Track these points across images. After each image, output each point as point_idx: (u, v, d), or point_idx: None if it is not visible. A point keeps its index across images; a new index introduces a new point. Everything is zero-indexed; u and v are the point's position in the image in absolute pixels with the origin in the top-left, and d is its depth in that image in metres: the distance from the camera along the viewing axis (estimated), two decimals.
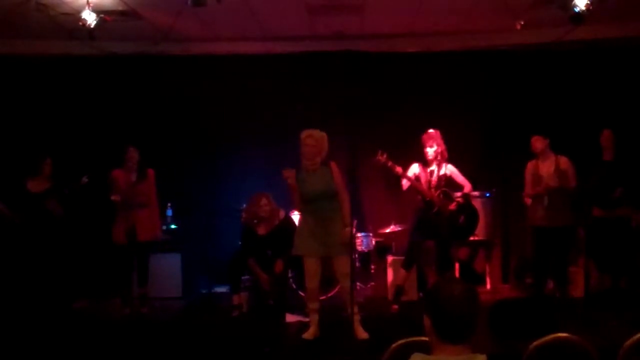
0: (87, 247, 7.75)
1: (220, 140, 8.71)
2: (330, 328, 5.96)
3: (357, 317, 5.85)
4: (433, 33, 8.33)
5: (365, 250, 7.94)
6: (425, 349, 2.27)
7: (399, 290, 7.15)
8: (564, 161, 7.05)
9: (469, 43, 8.42)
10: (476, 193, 7.75)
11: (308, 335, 5.86)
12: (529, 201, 7.26)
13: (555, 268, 7.11)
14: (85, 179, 7.15)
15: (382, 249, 8.15)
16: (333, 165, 5.96)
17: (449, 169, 7.02)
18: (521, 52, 8.45)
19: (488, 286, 8.31)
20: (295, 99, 8.60)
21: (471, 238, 7.64)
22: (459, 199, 7.05)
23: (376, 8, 7.35)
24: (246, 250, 7.18)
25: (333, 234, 5.77)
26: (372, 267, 8.05)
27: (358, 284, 7.69)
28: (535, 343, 2.95)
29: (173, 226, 8.25)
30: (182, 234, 8.26)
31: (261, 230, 7.18)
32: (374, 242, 8.01)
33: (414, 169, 6.98)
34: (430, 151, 6.90)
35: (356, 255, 7.68)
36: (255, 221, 7.18)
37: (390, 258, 7.88)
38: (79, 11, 6.54)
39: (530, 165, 7.17)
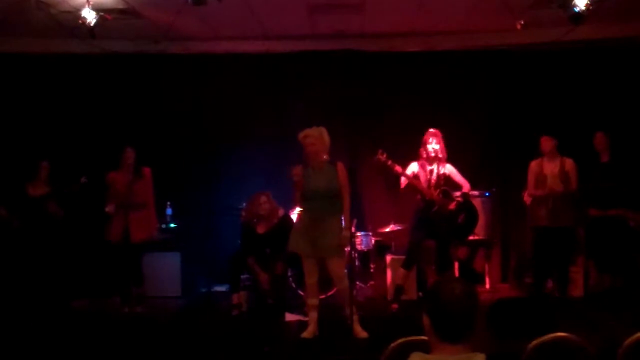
0: (86, 246, 7.74)
1: (220, 139, 8.71)
2: (330, 327, 5.96)
3: (356, 317, 5.85)
4: (433, 32, 8.33)
5: (365, 249, 7.96)
6: (425, 348, 2.26)
7: (399, 289, 7.15)
8: (569, 163, 7.04)
9: (469, 43, 8.43)
10: (476, 192, 7.76)
11: (307, 334, 5.86)
12: (528, 200, 7.26)
13: (557, 268, 7.11)
14: (84, 179, 7.16)
15: (381, 248, 8.15)
16: (340, 165, 5.95)
17: (447, 168, 7.03)
18: (521, 52, 8.44)
19: (487, 285, 8.31)
20: (296, 98, 8.60)
21: (471, 237, 7.65)
22: (458, 198, 7.05)
23: (377, 7, 7.35)
24: (246, 249, 7.18)
25: (325, 235, 5.75)
26: (372, 266, 8.06)
27: (358, 283, 7.71)
28: (534, 342, 2.95)
29: (172, 225, 8.24)
30: (182, 233, 8.26)
31: (260, 229, 7.19)
32: (373, 241, 8.02)
33: (413, 167, 6.98)
34: (431, 148, 6.89)
35: (356, 255, 7.69)
36: (254, 220, 7.19)
37: (389, 257, 7.87)
38: (79, 9, 6.53)
39: (534, 165, 7.15)
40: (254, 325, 6.53)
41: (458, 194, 7.10)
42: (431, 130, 6.98)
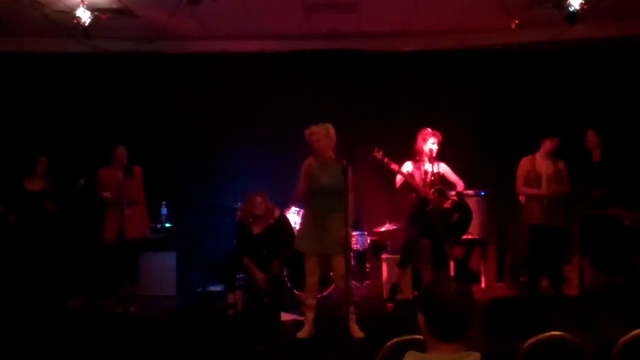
0: (81, 245, 7.72)
1: (215, 139, 8.71)
2: (326, 327, 5.96)
3: (352, 316, 5.84)
4: (429, 32, 8.34)
5: (361, 249, 7.97)
6: (420, 347, 2.27)
7: (394, 288, 7.16)
8: (562, 164, 7.05)
9: (465, 42, 8.43)
10: (471, 192, 7.77)
11: (302, 334, 5.85)
12: (523, 199, 7.26)
13: (551, 267, 7.12)
14: (82, 182, 7.15)
15: (377, 248, 8.16)
16: (346, 164, 5.95)
17: (442, 167, 7.04)
18: (516, 51, 8.45)
19: (483, 285, 8.33)
20: (291, 97, 8.59)
21: (466, 236, 7.65)
22: (453, 197, 7.07)
23: (372, 6, 7.36)
24: (241, 249, 7.18)
25: (331, 233, 5.72)
26: (368, 265, 8.07)
27: (353, 282, 7.70)
28: (529, 341, 2.95)
29: (168, 225, 8.23)
30: (177, 233, 8.25)
31: (256, 229, 7.18)
32: (369, 240, 8.03)
33: (407, 167, 6.98)
34: (426, 146, 6.88)
35: (351, 254, 7.68)
36: (250, 220, 7.18)
37: (385, 257, 7.88)
38: (73, 9, 6.53)
39: (525, 162, 7.11)
40: (249, 325, 6.54)
41: (453, 193, 7.11)
42: (430, 129, 6.98)
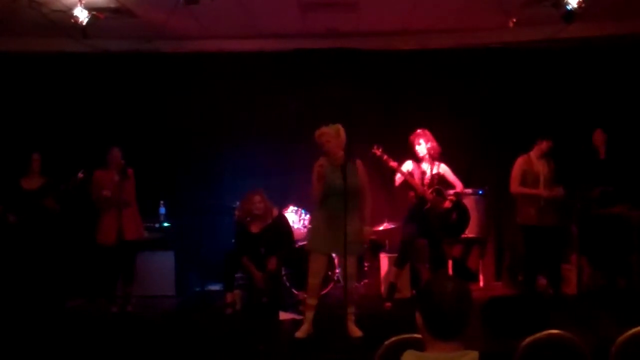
0: (79, 246, 7.71)
1: (213, 138, 8.69)
2: (324, 326, 5.95)
3: (351, 316, 5.85)
4: (427, 31, 8.34)
5: None
6: (419, 346, 2.27)
7: (392, 287, 7.17)
8: (553, 164, 7.05)
9: (463, 41, 8.44)
10: (469, 190, 7.77)
11: (301, 333, 5.82)
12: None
13: (549, 266, 7.12)
14: (81, 174, 7.14)
15: (375, 247, 8.15)
16: (359, 163, 5.95)
17: (441, 168, 7.06)
18: (514, 50, 8.46)
19: (481, 283, 8.33)
20: (290, 96, 8.60)
21: (464, 235, 7.66)
22: (451, 197, 7.08)
23: (370, 5, 7.36)
24: (240, 248, 7.17)
25: (348, 233, 5.60)
26: (366, 264, 8.07)
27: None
28: (528, 340, 2.96)
29: (166, 224, 8.22)
30: (176, 232, 8.24)
31: (255, 228, 7.18)
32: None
33: (407, 166, 7.00)
34: (420, 149, 6.93)
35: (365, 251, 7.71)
36: (248, 219, 7.18)
37: (383, 255, 7.88)
38: (71, 8, 6.53)
39: (521, 161, 7.08)
40: (248, 324, 6.53)
41: (451, 192, 7.12)
42: (417, 131, 7.00)
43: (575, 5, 6.23)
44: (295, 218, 8.10)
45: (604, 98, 8.17)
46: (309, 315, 5.89)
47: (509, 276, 8.43)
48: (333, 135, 5.78)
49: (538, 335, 2.98)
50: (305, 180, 6.05)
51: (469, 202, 7.47)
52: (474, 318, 2.30)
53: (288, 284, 7.49)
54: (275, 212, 7.29)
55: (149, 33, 7.85)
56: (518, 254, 8.08)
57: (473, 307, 2.24)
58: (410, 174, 6.96)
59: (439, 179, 7.04)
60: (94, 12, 6.58)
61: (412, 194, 7.04)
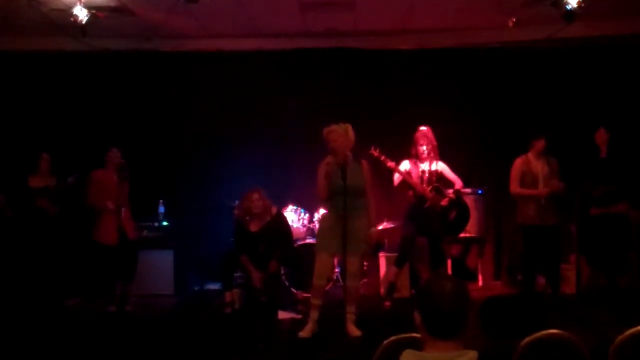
0: (76, 244, 7.70)
1: (212, 137, 8.68)
2: (323, 325, 5.95)
3: (350, 316, 5.84)
4: (426, 30, 8.34)
5: None
6: (417, 345, 2.27)
7: (392, 286, 7.17)
8: (555, 162, 7.04)
9: (462, 40, 8.44)
10: (468, 190, 7.78)
11: (305, 333, 5.79)
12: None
13: (548, 266, 7.11)
14: (72, 179, 7.17)
15: (374, 246, 8.13)
16: (364, 163, 5.94)
17: (439, 165, 7.06)
18: (514, 49, 8.46)
19: (480, 283, 8.33)
20: (288, 96, 8.60)
21: (463, 235, 7.66)
22: (450, 195, 7.08)
23: (369, 5, 7.36)
24: (239, 247, 7.17)
25: (352, 231, 5.59)
26: (365, 264, 8.04)
27: None
28: (526, 339, 2.96)
29: (165, 223, 8.22)
30: (175, 231, 8.24)
31: (253, 227, 7.17)
32: None
33: (405, 165, 7.00)
34: (424, 149, 6.93)
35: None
36: (247, 218, 7.17)
37: (382, 255, 7.88)
38: (70, 7, 6.53)
39: (519, 162, 7.06)
40: (246, 323, 6.53)
41: (450, 191, 7.12)
42: (422, 128, 7.01)
43: (575, 5, 6.24)
44: (294, 217, 8.09)
45: (603, 98, 8.16)
46: (314, 315, 5.86)
47: (507, 276, 8.44)
48: (341, 134, 5.74)
49: (537, 334, 2.97)
50: (305, 179, 6.07)
51: (468, 201, 7.47)
52: (473, 317, 2.30)
53: (287, 283, 7.49)
54: (274, 210, 7.28)
55: (148, 32, 7.86)
56: (517, 253, 8.08)
57: (472, 307, 2.24)
58: (409, 173, 6.97)
59: (438, 176, 7.04)
60: (94, 11, 6.59)
61: (411, 193, 7.04)
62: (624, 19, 7.82)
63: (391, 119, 8.42)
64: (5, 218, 7.19)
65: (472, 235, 8.04)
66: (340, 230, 5.59)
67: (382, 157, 6.73)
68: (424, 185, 6.97)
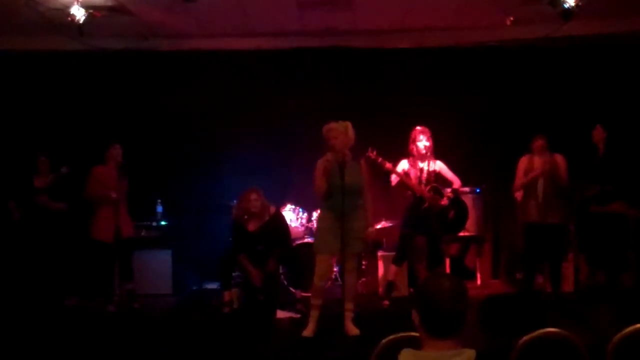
0: (74, 242, 7.70)
1: (210, 136, 8.67)
2: (321, 324, 5.94)
3: (349, 314, 5.84)
4: (424, 29, 8.33)
5: None
6: (416, 344, 2.27)
7: (390, 285, 7.17)
8: (561, 158, 7.03)
9: (460, 39, 8.43)
10: (467, 189, 7.78)
11: (307, 332, 5.78)
12: (519, 196, 7.27)
13: (549, 265, 7.11)
14: (65, 170, 7.20)
15: (373, 245, 8.14)
16: (363, 162, 5.94)
17: (437, 165, 7.07)
18: (511, 48, 8.46)
19: (478, 281, 8.34)
20: (286, 95, 8.60)
21: (462, 233, 7.67)
22: (449, 194, 7.08)
23: (367, 4, 7.35)
24: (237, 246, 7.16)
25: (350, 231, 5.60)
26: (364, 263, 8.05)
27: None
28: (524, 338, 2.96)
29: (163, 222, 8.22)
30: (173, 231, 8.24)
31: (251, 227, 7.16)
32: None
33: (403, 165, 7.00)
34: (422, 145, 6.93)
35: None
36: (245, 217, 7.16)
37: (381, 254, 7.89)
38: (67, 7, 6.52)
39: (524, 160, 7.11)
40: (245, 323, 6.53)
41: (449, 190, 7.12)
42: (419, 127, 7.02)
43: (573, 3, 6.24)
44: (293, 216, 8.09)
45: (601, 96, 8.16)
46: (315, 314, 5.85)
47: (506, 274, 8.45)
48: (341, 132, 5.72)
49: (535, 333, 2.98)
50: (303, 178, 6.05)
51: (466, 200, 7.48)
52: (471, 316, 2.30)
53: (285, 283, 7.49)
54: (272, 209, 7.27)
55: (145, 31, 7.84)
56: (515, 252, 8.09)
57: (470, 306, 2.24)
58: (407, 173, 6.97)
59: (436, 176, 7.05)
60: (91, 11, 6.58)
61: (409, 193, 7.04)
62: (622, 18, 7.83)
63: (390, 118, 8.41)
64: (13, 221, 7.25)
65: (471, 234, 8.04)
66: (337, 230, 5.60)
67: (379, 159, 6.70)
68: (422, 185, 6.97)
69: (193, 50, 8.60)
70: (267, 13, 7.65)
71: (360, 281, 7.96)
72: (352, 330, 5.77)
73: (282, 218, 7.46)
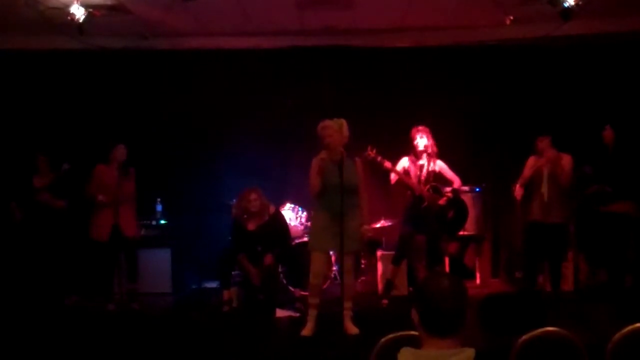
0: (75, 241, 7.70)
1: (210, 135, 8.68)
2: (321, 323, 5.95)
3: (348, 313, 5.84)
4: (423, 28, 8.32)
5: None
6: (415, 343, 2.26)
7: (389, 284, 7.18)
8: (567, 159, 6.99)
9: (459, 38, 8.42)
10: (466, 188, 7.77)
11: (306, 331, 5.79)
12: (519, 195, 7.24)
13: (550, 264, 7.10)
14: (66, 166, 7.21)
15: (372, 244, 8.13)
16: (358, 161, 5.93)
17: (438, 164, 7.06)
18: (511, 47, 8.45)
19: (478, 281, 8.34)
20: (285, 94, 8.59)
21: (461, 233, 7.66)
22: (448, 194, 7.08)
23: (366, 3, 7.34)
24: (236, 245, 7.16)
25: (347, 229, 5.56)
26: (363, 262, 8.07)
27: None
28: (524, 337, 2.96)
29: (163, 221, 8.22)
30: (172, 230, 8.23)
31: (251, 226, 7.16)
32: None
33: (404, 162, 7.00)
34: (420, 143, 6.93)
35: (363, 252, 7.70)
36: (245, 216, 7.16)
37: (380, 253, 7.89)
38: (67, 6, 6.51)
39: (532, 160, 7.06)
40: (244, 322, 6.53)
41: (448, 189, 7.12)
42: (418, 126, 7.01)
43: (572, 3, 6.23)
44: (292, 215, 8.09)
45: (601, 96, 8.16)
46: (313, 313, 5.85)
47: (505, 274, 8.45)
48: (336, 129, 5.72)
49: (535, 332, 2.98)
50: (302, 177, 6.03)
51: (466, 199, 7.46)
52: (471, 315, 2.29)
53: (284, 282, 7.49)
54: (271, 209, 7.27)
55: (145, 30, 7.83)
56: (515, 251, 8.09)
57: (469, 305, 2.24)
58: (407, 171, 6.97)
59: (436, 175, 7.04)
60: (90, 10, 6.56)
61: (409, 192, 7.04)
62: (621, 17, 7.82)
63: (389, 117, 8.41)
64: (14, 221, 7.27)
65: (470, 233, 8.03)
66: (334, 228, 5.60)
67: (379, 158, 6.69)
68: (422, 184, 6.96)
69: (192, 49, 8.60)
70: (266, 12, 7.65)
71: (359, 280, 7.98)
72: (352, 329, 5.78)
73: (282, 217, 7.45)
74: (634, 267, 7.12)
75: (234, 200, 7.43)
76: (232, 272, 7.23)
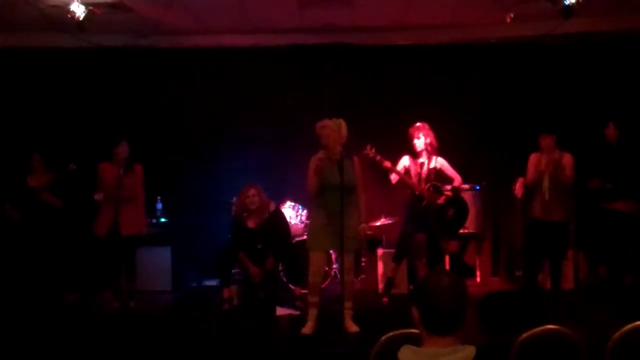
0: (77, 239, 7.71)
1: (210, 133, 8.68)
2: (321, 321, 5.95)
3: (348, 311, 5.85)
4: (424, 26, 8.33)
5: None
6: (416, 341, 2.26)
7: (390, 282, 7.17)
8: (568, 157, 6.98)
9: (460, 36, 8.42)
10: (466, 186, 7.77)
11: (307, 330, 5.79)
12: (519, 193, 7.24)
13: (550, 262, 7.10)
14: (72, 166, 7.19)
15: (372, 242, 8.13)
16: (356, 159, 5.93)
17: (439, 162, 7.04)
18: (511, 45, 8.45)
19: (478, 279, 8.34)
20: (285, 92, 8.59)
21: (461, 231, 7.66)
22: (448, 193, 7.07)
23: (366, 1, 7.34)
24: (236, 243, 7.15)
25: (345, 228, 5.54)
26: (363, 260, 8.06)
27: None
28: (524, 335, 2.96)
29: (163, 219, 8.21)
30: (172, 228, 8.23)
31: (251, 223, 7.15)
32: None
33: (404, 161, 6.99)
34: (419, 142, 6.93)
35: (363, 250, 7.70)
36: (245, 214, 7.15)
37: (380, 251, 7.89)
38: (67, 3, 6.51)
39: (533, 157, 7.05)
40: (244, 320, 6.53)
41: (448, 188, 7.11)
42: (417, 124, 7.00)
43: (573, 1, 6.23)
44: (292, 213, 8.08)
45: (602, 94, 8.16)
46: (314, 311, 5.87)
47: (506, 272, 8.45)
48: (334, 129, 5.72)
49: (535, 330, 2.98)
50: (302, 175, 6.02)
51: (466, 197, 7.46)
52: (471, 313, 2.29)
53: (285, 280, 7.49)
54: (271, 206, 7.25)
55: (145, 28, 7.83)
56: (515, 249, 8.09)
57: (470, 303, 2.24)
58: (407, 170, 6.96)
59: (436, 173, 7.03)
60: (91, 8, 6.57)
61: (408, 190, 7.04)
62: (622, 15, 7.82)
63: (389, 115, 8.40)
64: (11, 221, 7.26)
65: (470, 231, 8.02)
66: (332, 227, 5.62)
67: (378, 158, 6.69)
68: (423, 182, 6.96)
69: (192, 47, 8.59)
70: (266, 10, 7.65)
71: (359, 278, 7.98)
72: (352, 327, 5.78)
73: (282, 215, 7.44)
74: (634, 265, 7.12)
75: (234, 198, 7.43)
76: (232, 270, 7.22)
